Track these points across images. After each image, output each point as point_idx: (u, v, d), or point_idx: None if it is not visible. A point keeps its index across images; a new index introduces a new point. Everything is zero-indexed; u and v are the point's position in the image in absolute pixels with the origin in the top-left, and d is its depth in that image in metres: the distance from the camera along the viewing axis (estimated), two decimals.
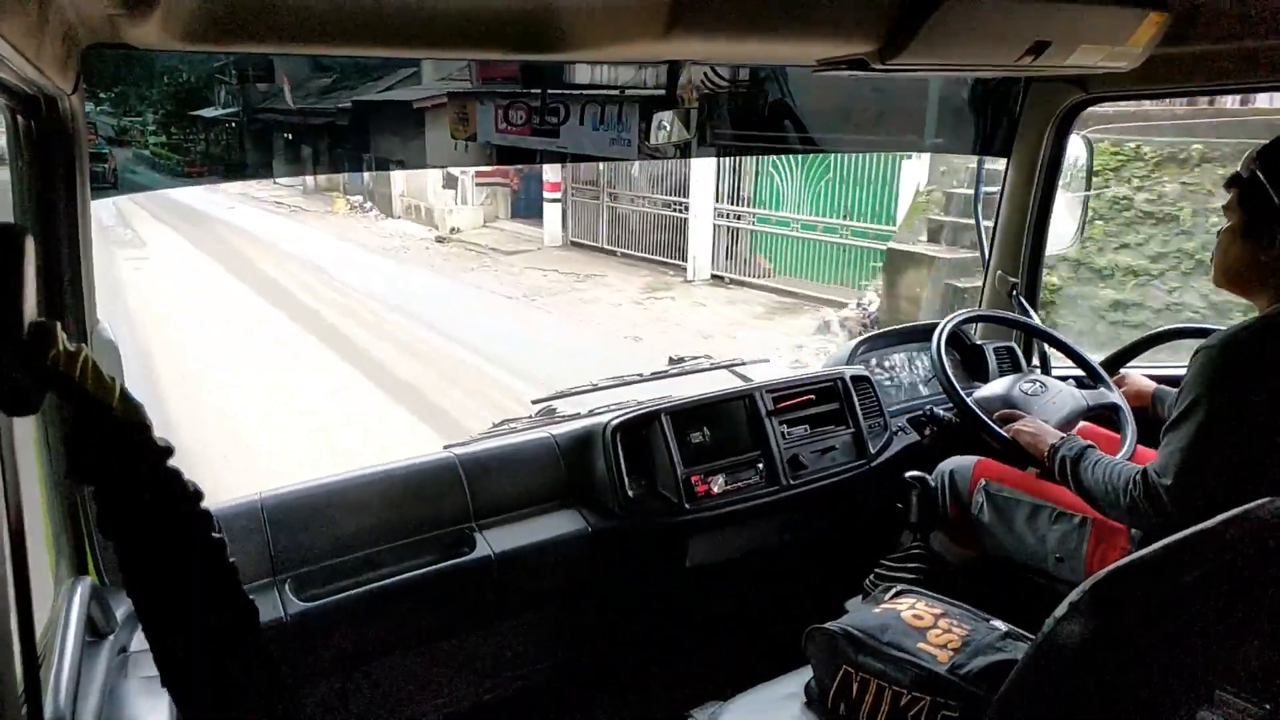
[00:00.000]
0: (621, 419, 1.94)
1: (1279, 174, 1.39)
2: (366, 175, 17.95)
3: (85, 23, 1.12)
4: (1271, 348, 1.39)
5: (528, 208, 15.80)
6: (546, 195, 14.22)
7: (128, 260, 12.35)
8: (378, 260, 13.71)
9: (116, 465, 0.74)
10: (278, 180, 22.15)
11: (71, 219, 1.22)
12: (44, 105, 1.13)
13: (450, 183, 16.23)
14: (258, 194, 21.27)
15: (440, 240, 15.36)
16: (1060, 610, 0.99)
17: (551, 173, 13.84)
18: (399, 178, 17.64)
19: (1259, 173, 1.41)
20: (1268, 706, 0.96)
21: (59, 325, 0.69)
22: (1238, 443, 1.40)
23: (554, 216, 14.28)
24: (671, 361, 2.38)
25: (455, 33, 1.35)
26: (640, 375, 2.27)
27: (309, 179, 21.29)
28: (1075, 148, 2.38)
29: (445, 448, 1.93)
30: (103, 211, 12.23)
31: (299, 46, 1.39)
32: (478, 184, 16.13)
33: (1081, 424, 2.02)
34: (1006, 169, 2.45)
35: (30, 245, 0.66)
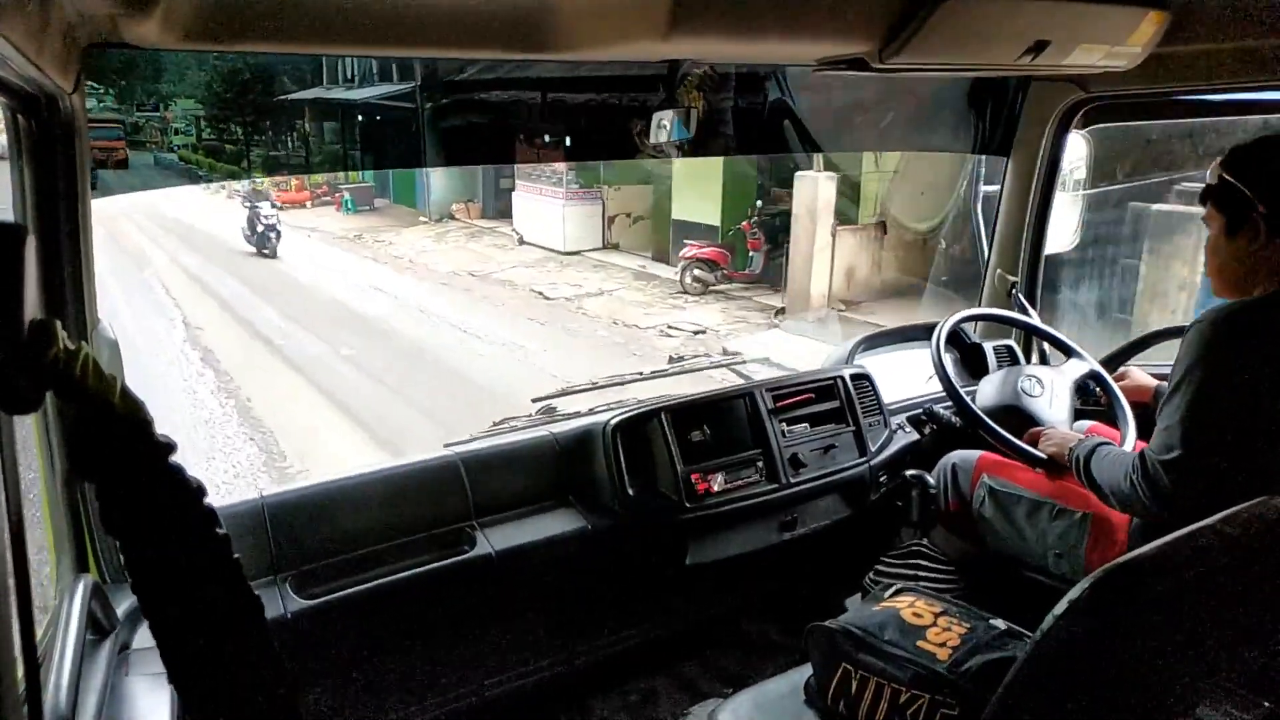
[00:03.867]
0: (621, 417, 1.94)
1: (1246, 173, 1.44)
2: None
3: (86, 22, 1.12)
4: (1262, 322, 1.41)
5: None
6: None
7: None
8: None
9: (118, 462, 0.74)
10: (525, 239, 13.64)
11: (72, 218, 1.22)
12: (44, 104, 1.14)
13: None
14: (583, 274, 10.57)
15: None
16: (1059, 608, 0.99)
17: None
18: None
19: (1226, 176, 1.46)
20: (1266, 704, 0.97)
21: (59, 324, 0.69)
22: (1232, 413, 1.40)
23: None
24: (671, 360, 2.38)
25: (455, 32, 1.35)
26: (640, 374, 2.27)
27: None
28: (1075, 146, 2.39)
29: (445, 446, 1.93)
30: None
31: (299, 46, 1.39)
32: None
33: (1090, 424, 2.03)
34: (1006, 168, 2.46)
35: (31, 244, 0.66)
